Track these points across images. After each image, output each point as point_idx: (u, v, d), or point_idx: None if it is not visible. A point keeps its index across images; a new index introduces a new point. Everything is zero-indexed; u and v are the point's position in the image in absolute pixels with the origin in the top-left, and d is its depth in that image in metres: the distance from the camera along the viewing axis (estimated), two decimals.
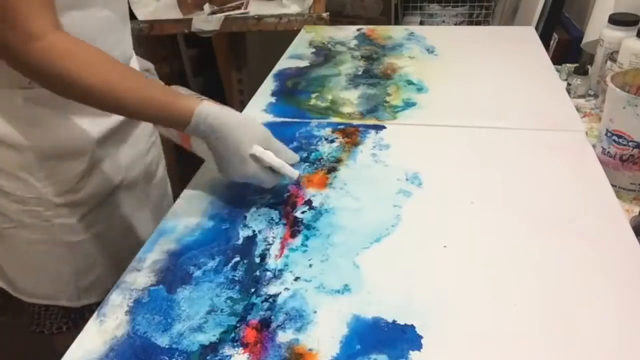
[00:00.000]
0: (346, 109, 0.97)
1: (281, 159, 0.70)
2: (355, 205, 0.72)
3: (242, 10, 1.62)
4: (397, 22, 2.12)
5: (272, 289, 0.60)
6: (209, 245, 0.67)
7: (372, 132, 0.89)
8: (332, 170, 0.80)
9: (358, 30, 1.34)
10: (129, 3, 0.84)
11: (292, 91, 1.05)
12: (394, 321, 0.55)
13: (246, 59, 2.03)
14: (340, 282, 0.60)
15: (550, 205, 0.70)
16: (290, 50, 1.25)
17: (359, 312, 0.56)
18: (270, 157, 0.69)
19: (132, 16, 1.58)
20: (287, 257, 0.64)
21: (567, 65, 1.17)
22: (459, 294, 0.58)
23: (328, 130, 0.91)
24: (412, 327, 0.54)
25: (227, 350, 0.53)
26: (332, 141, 0.87)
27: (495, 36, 1.27)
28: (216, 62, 2.12)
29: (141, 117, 0.73)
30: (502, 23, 2.03)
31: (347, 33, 1.32)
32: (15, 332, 1.29)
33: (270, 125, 0.93)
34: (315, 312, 0.57)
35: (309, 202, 0.73)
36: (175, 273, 0.63)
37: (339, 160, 0.82)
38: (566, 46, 1.55)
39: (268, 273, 0.62)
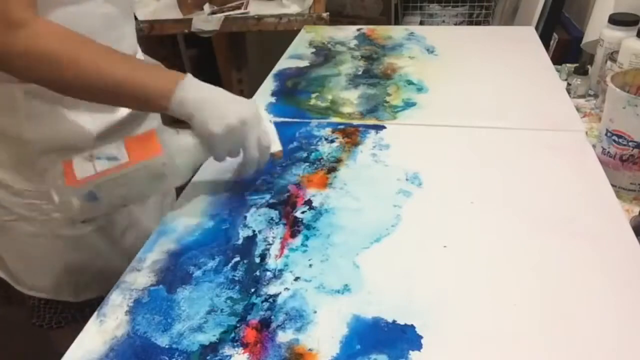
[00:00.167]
0: (346, 109, 0.97)
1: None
2: (355, 205, 0.72)
3: (242, 10, 1.63)
4: (397, 22, 2.12)
5: (272, 289, 0.60)
6: (209, 245, 0.67)
7: (372, 132, 0.89)
8: (332, 170, 0.80)
9: (358, 30, 1.34)
10: None
11: (292, 91, 1.05)
12: (394, 321, 0.55)
13: (246, 59, 2.03)
14: (340, 282, 0.60)
15: (550, 205, 0.70)
16: (290, 50, 1.25)
17: (359, 312, 0.56)
18: (267, 116, 0.70)
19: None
20: (287, 257, 0.64)
21: (567, 65, 1.17)
22: (459, 294, 0.58)
23: (328, 130, 0.91)
24: (412, 327, 0.54)
25: (227, 350, 0.53)
26: (332, 141, 0.87)
27: (495, 36, 1.27)
28: (216, 62, 2.12)
29: (128, 85, 0.65)
30: (502, 23, 2.03)
31: (347, 33, 1.32)
32: (15, 331, 1.30)
33: None
34: (315, 312, 0.57)
35: (309, 202, 0.73)
36: (175, 273, 0.63)
37: (339, 160, 0.82)
38: (566, 46, 1.55)
39: (268, 273, 0.62)
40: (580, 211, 0.69)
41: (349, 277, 0.61)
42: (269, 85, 1.08)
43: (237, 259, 0.65)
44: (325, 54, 1.21)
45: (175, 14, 1.65)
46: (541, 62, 1.11)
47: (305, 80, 1.09)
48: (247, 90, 2.00)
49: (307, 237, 0.67)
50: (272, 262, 0.64)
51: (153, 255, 0.66)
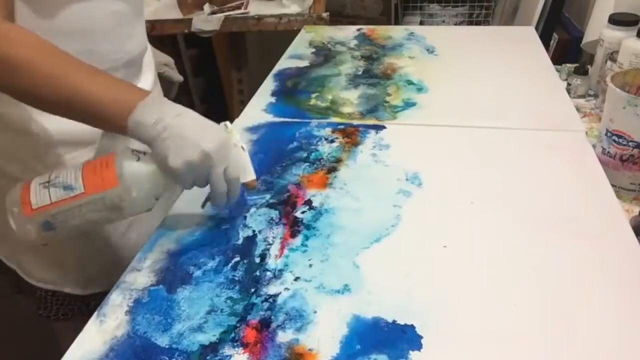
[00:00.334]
0: (346, 109, 0.97)
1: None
2: (355, 205, 0.72)
3: (242, 10, 1.63)
4: (397, 22, 2.12)
5: (272, 289, 0.60)
6: (209, 245, 0.67)
7: (372, 132, 0.89)
8: (332, 170, 0.80)
9: (358, 30, 1.34)
10: None
11: (292, 91, 1.05)
12: (394, 321, 0.55)
13: (246, 59, 2.03)
14: (340, 282, 0.60)
15: (550, 205, 0.70)
16: (290, 50, 1.25)
17: (359, 312, 0.56)
18: (238, 136, 0.63)
19: None
20: (287, 257, 0.64)
21: (567, 65, 1.17)
22: (459, 294, 0.58)
23: (328, 130, 0.91)
24: (412, 327, 0.54)
25: (227, 350, 0.53)
26: (332, 141, 0.87)
27: (495, 36, 1.27)
28: (216, 62, 2.12)
29: (82, 100, 0.59)
30: (502, 23, 2.03)
31: (347, 33, 1.32)
32: (22, 321, 1.31)
33: (270, 125, 0.93)
34: (315, 312, 0.57)
35: (309, 202, 0.73)
36: (175, 273, 0.63)
37: (339, 160, 0.82)
38: (566, 46, 1.55)
39: (268, 273, 0.62)
40: (580, 211, 0.69)
41: (349, 277, 0.61)
42: (269, 85, 1.08)
43: (237, 259, 0.65)
44: (325, 54, 1.21)
45: (175, 14, 1.65)
46: (541, 62, 1.11)
47: (305, 80, 1.09)
48: (247, 90, 2.00)
49: (307, 237, 0.67)
50: (272, 262, 0.64)
51: (153, 255, 0.66)
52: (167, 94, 1.02)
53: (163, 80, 0.98)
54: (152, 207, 0.63)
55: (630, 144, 0.78)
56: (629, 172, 0.80)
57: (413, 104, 0.97)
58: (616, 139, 0.79)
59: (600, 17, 1.17)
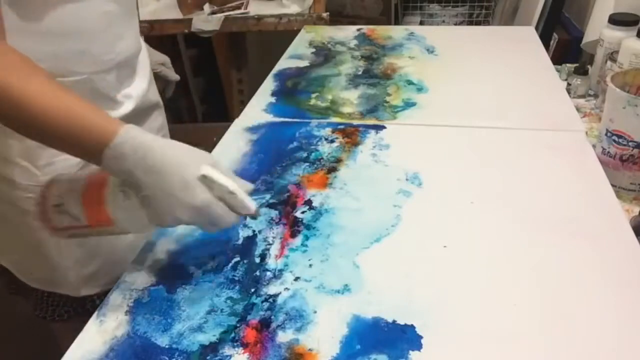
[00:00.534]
0: (346, 109, 0.97)
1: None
2: (355, 205, 0.72)
3: (242, 10, 1.63)
4: (397, 22, 2.12)
5: (272, 289, 0.60)
6: (209, 245, 0.67)
7: (372, 132, 0.89)
8: (332, 170, 0.80)
9: (358, 30, 1.34)
10: None
11: (292, 91, 1.05)
12: (394, 321, 0.55)
13: (246, 59, 2.03)
14: (340, 282, 0.60)
15: (550, 205, 0.70)
16: (290, 50, 1.25)
17: (359, 312, 0.56)
18: (223, 179, 0.55)
19: None
20: (287, 257, 0.64)
21: (567, 65, 1.17)
22: (459, 294, 0.58)
23: (328, 130, 0.91)
24: (412, 327, 0.54)
25: (227, 350, 0.53)
26: (332, 141, 0.87)
27: (495, 36, 1.27)
28: (216, 62, 2.12)
29: (57, 129, 0.55)
30: (502, 23, 2.03)
31: (347, 33, 1.32)
32: (21, 322, 1.31)
33: (270, 125, 0.93)
34: (315, 312, 0.57)
35: (309, 202, 0.73)
36: (175, 273, 0.63)
37: (339, 160, 0.82)
38: (566, 46, 1.55)
39: (268, 273, 0.62)
40: (580, 211, 0.69)
41: (349, 277, 0.61)
42: (269, 85, 1.08)
43: (237, 259, 0.65)
44: (325, 54, 1.21)
45: (175, 14, 1.65)
46: (541, 62, 1.11)
47: (305, 80, 1.09)
48: (247, 90, 2.00)
49: (307, 237, 0.67)
50: (272, 262, 0.64)
51: (153, 255, 0.66)
52: (163, 93, 1.02)
53: (159, 79, 0.98)
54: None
55: (630, 144, 0.78)
56: (629, 172, 0.80)
57: (413, 104, 0.97)
58: (616, 139, 0.79)
59: (600, 17, 1.17)
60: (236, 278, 0.62)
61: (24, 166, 0.75)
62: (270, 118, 0.96)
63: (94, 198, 0.57)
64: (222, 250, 0.66)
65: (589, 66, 1.10)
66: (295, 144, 0.87)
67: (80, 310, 0.86)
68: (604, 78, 0.94)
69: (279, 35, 1.49)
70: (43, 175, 0.75)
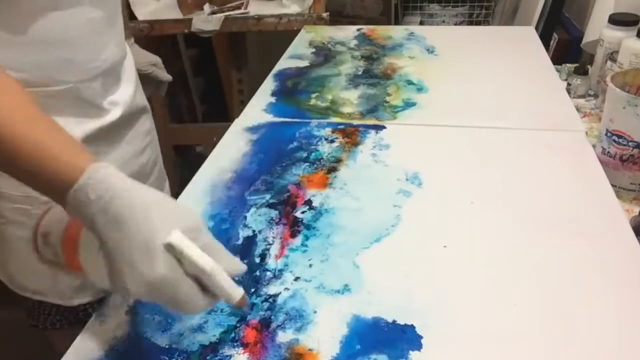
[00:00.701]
0: (346, 109, 0.97)
1: (218, 264, 0.45)
2: (355, 205, 0.72)
3: (242, 10, 1.62)
4: (397, 22, 2.12)
5: (272, 289, 0.60)
6: None
7: (372, 132, 0.89)
8: (332, 170, 0.80)
9: (358, 30, 1.34)
10: (128, 2, 0.82)
11: (292, 91, 1.05)
12: (394, 321, 0.55)
13: (246, 59, 2.03)
14: (340, 282, 0.60)
15: (550, 205, 0.70)
16: (290, 50, 1.25)
17: (359, 312, 0.56)
18: (196, 254, 0.43)
19: (132, 16, 1.58)
20: (287, 257, 0.64)
21: (567, 65, 1.17)
22: (459, 294, 0.58)
23: (328, 130, 0.91)
24: (412, 327, 0.54)
25: (227, 350, 0.53)
26: (332, 141, 0.87)
27: (495, 36, 1.27)
28: (216, 62, 2.12)
29: (22, 164, 0.49)
30: (502, 23, 2.03)
31: (347, 33, 1.32)
32: (15, 331, 1.30)
33: (270, 125, 0.93)
34: (315, 312, 0.57)
35: (309, 202, 0.73)
36: None
37: (339, 160, 0.82)
38: (566, 46, 1.55)
39: (268, 273, 0.62)
40: (580, 211, 0.69)
41: (349, 277, 0.61)
42: (269, 85, 1.08)
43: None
44: (325, 54, 1.21)
45: (175, 14, 1.65)
46: (541, 62, 1.11)
47: (305, 80, 1.09)
48: (247, 90, 2.00)
49: (307, 237, 0.67)
50: (272, 262, 0.64)
51: None
52: (156, 93, 1.02)
53: (152, 80, 0.98)
54: None
55: (630, 144, 0.78)
56: (629, 172, 0.80)
57: (413, 104, 0.97)
58: (616, 139, 0.79)
59: (600, 17, 1.17)
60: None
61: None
62: (270, 118, 0.96)
63: (71, 240, 0.50)
64: None
65: (589, 66, 1.10)
66: (295, 144, 0.87)
67: (73, 319, 0.86)
68: (604, 78, 0.94)
69: (279, 35, 1.49)
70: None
